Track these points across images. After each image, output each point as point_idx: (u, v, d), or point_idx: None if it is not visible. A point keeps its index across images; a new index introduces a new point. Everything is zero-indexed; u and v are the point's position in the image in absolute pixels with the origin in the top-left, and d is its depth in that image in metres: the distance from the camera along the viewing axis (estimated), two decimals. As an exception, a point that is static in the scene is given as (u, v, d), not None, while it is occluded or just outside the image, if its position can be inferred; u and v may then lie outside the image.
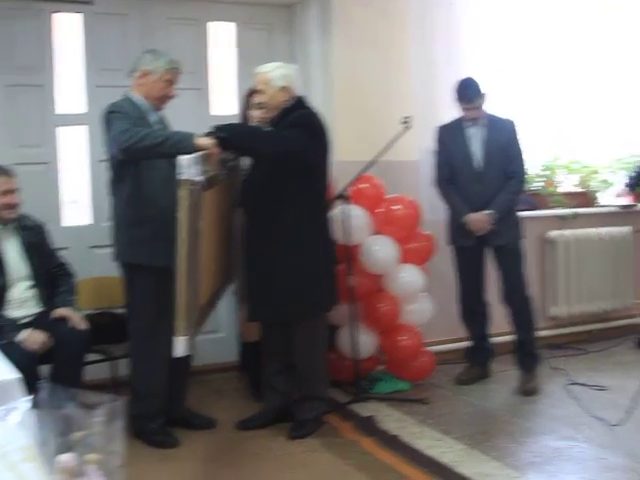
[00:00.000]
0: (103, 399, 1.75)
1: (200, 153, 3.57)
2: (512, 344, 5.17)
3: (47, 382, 1.75)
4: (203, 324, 3.98)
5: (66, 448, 1.66)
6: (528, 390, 4.97)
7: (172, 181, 3.77)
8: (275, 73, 4.23)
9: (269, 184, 4.14)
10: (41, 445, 1.64)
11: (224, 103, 5.62)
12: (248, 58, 5.38)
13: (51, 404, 1.70)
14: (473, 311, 5.20)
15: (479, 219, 4.91)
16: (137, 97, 4.11)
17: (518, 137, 5.03)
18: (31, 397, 1.70)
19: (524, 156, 5.07)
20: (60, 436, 1.67)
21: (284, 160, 4.06)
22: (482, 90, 4.96)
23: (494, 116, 5.07)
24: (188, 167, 3.35)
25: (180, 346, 3.41)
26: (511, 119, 5.09)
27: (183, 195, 3.35)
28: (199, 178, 3.38)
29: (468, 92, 4.95)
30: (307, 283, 4.15)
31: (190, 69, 4.84)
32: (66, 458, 1.60)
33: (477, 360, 5.28)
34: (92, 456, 1.63)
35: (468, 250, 5.06)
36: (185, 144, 3.69)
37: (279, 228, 4.12)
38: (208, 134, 3.82)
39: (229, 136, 3.85)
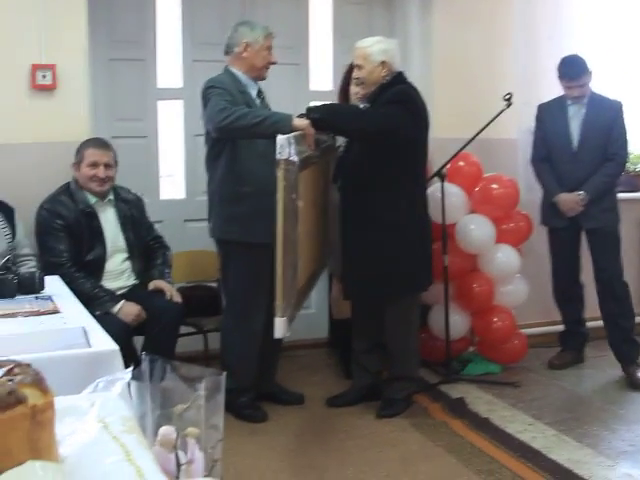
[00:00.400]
0: (204, 372, 1.75)
1: (296, 133, 3.55)
2: (606, 332, 5.01)
3: (148, 354, 1.77)
4: (302, 305, 3.99)
5: (166, 421, 1.67)
6: (635, 382, 4.76)
7: (269, 158, 3.77)
8: (374, 48, 4.17)
9: (366, 161, 4.11)
10: (141, 417, 1.66)
11: (322, 78, 5.60)
12: (347, 33, 5.31)
13: (152, 376, 1.71)
14: (567, 294, 5.09)
15: (569, 199, 4.80)
16: (237, 71, 4.11)
17: (624, 119, 4.88)
18: (132, 368, 1.71)
19: (628, 139, 4.92)
20: (160, 408, 1.68)
21: (382, 138, 4.01)
22: (588, 68, 4.82)
23: (600, 95, 4.93)
24: (285, 147, 3.33)
25: (280, 327, 3.41)
26: (618, 100, 4.94)
27: (280, 175, 3.34)
28: (296, 158, 3.36)
29: (572, 69, 4.82)
30: (403, 262, 4.11)
31: (290, 44, 4.83)
32: (167, 431, 1.61)
33: (571, 344, 5.16)
34: (192, 430, 1.63)
35: (561, 231, 4.95)
36: (282, 125, 3.68)
37: (375, 206, 4.09)
38: (303, 115, 3.80)
39: (324, 117, 3.83)
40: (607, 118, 4.84)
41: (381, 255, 4.08)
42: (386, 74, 4.16)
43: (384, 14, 5.64)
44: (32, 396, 1.21)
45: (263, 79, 4.20)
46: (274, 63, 4.17)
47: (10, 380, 1.21)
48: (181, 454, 1.59)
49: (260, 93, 4.21)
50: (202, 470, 1.60)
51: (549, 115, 4.98)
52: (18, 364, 1.28)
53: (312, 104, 4.16)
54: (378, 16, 5.63)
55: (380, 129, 3.96)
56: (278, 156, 3.33)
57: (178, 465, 1.58)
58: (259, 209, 3.90)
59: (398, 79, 4.19)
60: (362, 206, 4.10)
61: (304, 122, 3.72)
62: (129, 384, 1.67)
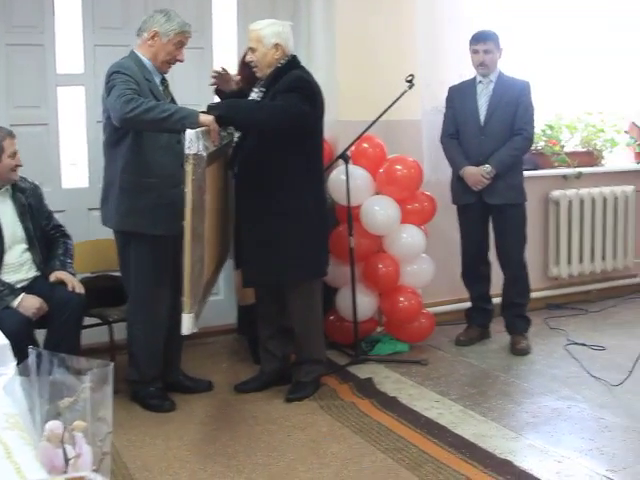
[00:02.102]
0: (92, 364, 1.73)
1: (203, 129, 3.55)
2: (502, 304, 5.20)
3: (35, 348, 1.74)
4: (208, 297, 3.98)
5: (54, 415, 1.65)
6: (520, 350, 5.00)
7: (172, 150, 3.77)
8: (267, 30, 4.14)
9: (262, 149, 4.09)
10: (29, 411, 1.63)
11: (227, 62, 5.56)
12: (250, 17, 5.25)
13: (39, 370, 1.69)
14: (475, 272, 5.20)
15: (475, 172, 4.89)
16: (143, 56, 4.04)
17: (530, 97, 4.99)
18: (18, 363, 1.68)
19: (535, 117, 5.04)
20: (48, 402, 1.66)
21: (285, 130, 4.00)
22: (497, 40, 4.96)
23: (508, 76, 5.05)
24: (194, 142, 3.34)
25: (187, 323, 3.41)
26: (526, 80, 5.05)
27: (189, 170, 3.33)
28: (204, 153, 3.38)
29: (480, 33, 4.97)
30: (300, 248, 4.12)
31: (193, 28, 4.74)
32: (53, 425, 1.59)
33: (477, 321, 5.28)
34: (79, 423, 1.62)
35: (470, 208, 5.04)
36: (189, 120, 3.65)
37: (272, 193, 4.08)
38: (207, 111, 3.78)
39: (226, 114, 3.81)
40: (514, 96, 4.94)
41: (278, 241, 4.08)
42: (279, 57, 4.14)
43: (287, -3, 5.63)
44: None
45: (164, 73, 4.13)
46: (180, 61, 4.10)
47: None
48: (69, 448, 1.58)
49: (164, 81, 4.15)
50: (90, 464, 1.59)
51: (459, 95, 5.07)
52: None
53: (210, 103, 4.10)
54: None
55: (282, 121, 3.95)
56: (187, 151, 3.33)
57: (66, 460, 1.57)
58: (162, 201, 3.90)
59: (292, 63, 4.18)
60: (259, 193, 4.09)
61: (209, 118, 3.70)
62: (14, 379, 1.64)
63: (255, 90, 4.23)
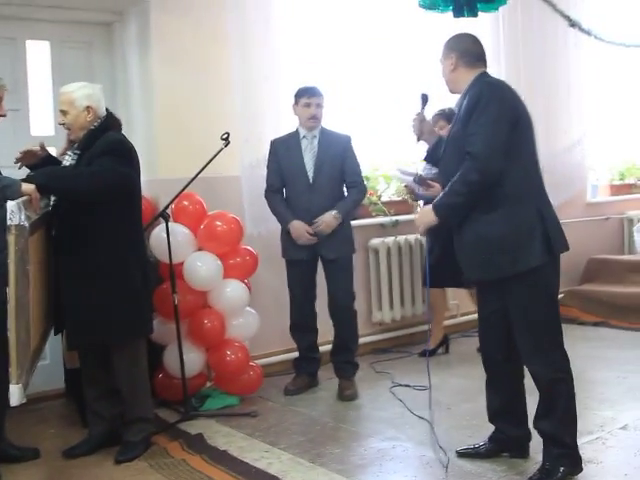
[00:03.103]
0: None
1: (24, 198, 3.57)
2: (330, 353, 5.35)
3: None
4: (36, 365, 3.91)
5: None
6: (348, 396, 5.12)
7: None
8: (79, 93, 4.16)
9: (78, 212, 4.07)
10: None
11: (43, 124, 5.51)
12: (67, 77, 5.19)
13: None
14: (303, 324, 5.30)
15: (300, 227, 5.03)
16: None
17: (354, 151, 5.20)
18: None
19: (360, 169, 5.26)
20: None
21: (107, 195, 4.02)
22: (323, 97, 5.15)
23: (330, 130, 5.22)
24: (16, 213, 3.36)
25: (15, 394, 3.39)
26: (347, 134, 5.25)
27: (12, 240, 3.34)
28: (26, 223, 3.40)
29: (312, 88, 5.14)
30: (125, 308, 4.12)
31: (9, 89, 4.68)
32: None
33: (305, 369, 5.38)
34: None
35: (302, 263, 5.16)
36: (11, 190, 3.67)
37: (91, 255, 4.07)
38: (27, 180, 3.77)
39: (47, 182, 3.83)
40: (339, 150, 5.13)
41: (101, 302, 4.06)
42: (92, 119, 4.17)
43: (104, 58, 5.67)
44: None
45: None
46: (2, 116, 4.09)
47: None
48: None
49: None
50: None
51: (284, 148, 5.18)
52: None
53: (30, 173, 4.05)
54: (98, 60, 5.64)
55: (103, 186, 3.98)
56: (9, 222, 3.34)
57: None
58: None
59: (106, 124, 4.21)
60: (78, 256, 4.06)
61: (31, 187, 3.71)
62: None
63: (69, 153, 4.23)
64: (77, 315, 4.09)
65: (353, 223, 5.48)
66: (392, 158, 6.69)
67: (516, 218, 3.52)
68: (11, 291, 3.33)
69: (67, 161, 4.21)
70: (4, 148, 4.52)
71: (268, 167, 5.24)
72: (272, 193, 5.19)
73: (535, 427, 3.71)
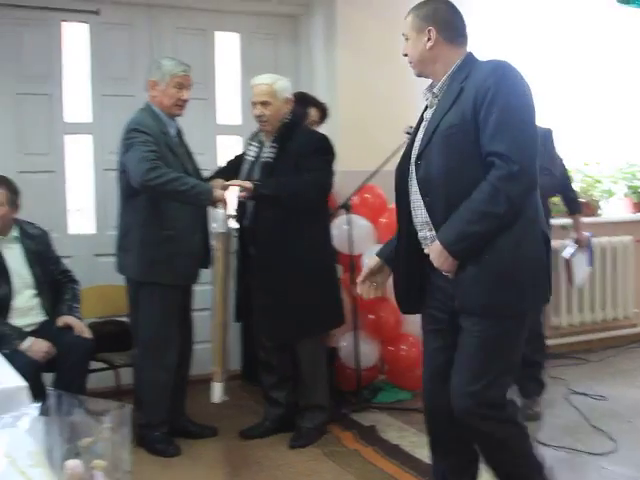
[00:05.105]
0: (110, 406, 1.78)
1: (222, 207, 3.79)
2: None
3: (55, 390, 1.78)
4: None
5: (74, 454, 1.69)
6: (531, 416, 4.73)
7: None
8: (279, 84, 4.21)
9: (284, 215, 4.14)
10: (49, 451, 1.67)
11: (230, 113, 5.66)
12: (254, 68, 5.35)
13: (59, 411, 1.73)
14: None
15: None
16: (156, 108, 4.14)
17: (554, 143, 4.87)
18: (39, 404, 1.72)
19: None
20: (68, 442, 1.70)
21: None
22: None
23: None
24: (224, 221, 3.65)
25: (218, 392, 3.72)
26: (548, 127, 4.87)
27: (219, 246, 3.66)
28: (229, 230, 3.68)
29: None
30: (328, 302, 4.26)
31: (197, 79, 4.83)
32: (74, 464, 1.63)
33: None
34: (99, 462, 1.66)
35: None
36: (204, 197, 3.90)
37: (291, 250, 4.14)
38: (256, 190, 3.97)
39: (277, 192, 4.01)
40: None
41: (297, 295, 4.14)
42: (288, 111, 4.23)
43: (290, 50, 5.77)
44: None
45: (178, 115, 4.21)
46: (185, 101, 4.17)
47: None
48: (89, 486, 1.62)
49: (179, 132, 4.25)
50: (110, 502, 1.63)
51: None
52: None
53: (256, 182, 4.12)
54: (284, 52, 5.74)
55: (325, 192, 4.19)
56: (217, 229, 3.64)
57: (86, 498, 1.60)
58: (177, 252, 4.05)
59: (297, 116, 4.29)
60: (275, 251, 4.13)
61: (220, 194, 3.86)
62: (37, 419, 1.68)
63: (254, 144, 4.32)
64: (284, 314, 4.18)
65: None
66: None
67: (527, 245, 2.71)
68: (217, 293, 3.63)
69: (253, 152, 4.30)
70: (193, 135, 4.66)
71: None
72: None
73: None
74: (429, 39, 2.90)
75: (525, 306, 2.78)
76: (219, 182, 4.03)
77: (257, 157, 4.29)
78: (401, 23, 3.00)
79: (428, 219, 2.82)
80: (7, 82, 4.85)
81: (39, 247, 4.21)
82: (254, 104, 4.24)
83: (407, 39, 2.97)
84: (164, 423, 4.20)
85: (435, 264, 2.78)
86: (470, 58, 2.92)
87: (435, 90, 2.92)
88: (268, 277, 4.17)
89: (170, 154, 4.03)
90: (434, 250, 2.77)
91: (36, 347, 3.85)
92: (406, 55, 3.01)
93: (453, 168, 2.74)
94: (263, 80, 4.24)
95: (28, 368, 3.62)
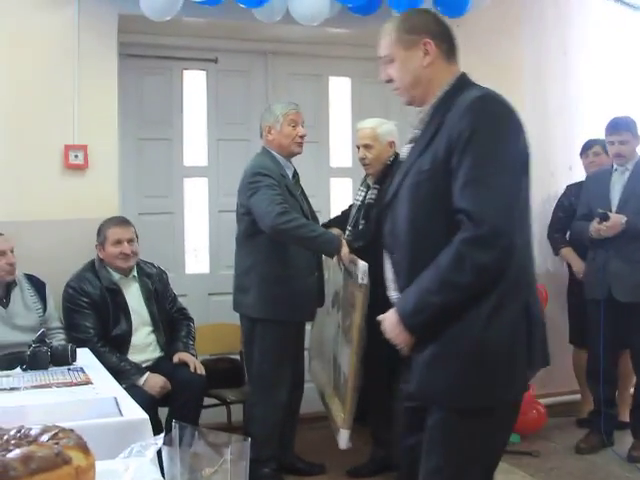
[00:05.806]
0: (230, 439, 1.86)
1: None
2: (630, 411, 4.89)
3: (178, 422, 1.87)
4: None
5: (194, 484, 1.77)
6: (636, 457, 4.64)
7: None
8: (383, 128, 4.33)
9: None
10: (172, 480, 1.76)
11: (341, 156, 5.77)
12: (364, 112, 5.35)
13: (181, 442, 1.83)
14: (599, 372, 4.76)
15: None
16: (273, 151, 4.27)
17: None
18: (163, 435, 1.82)
19: None
20: (189, 472, 1.79)
21: None
22: (635, 129, 4.75)
23: None
24: (365, 274, 3.68)
25: (345, 439, 3.78)
26: None
27: (361, 297, 3.71)
28: (368, 282, 3.70)
29: (617, 123, 4.75)
30: None
31: (310, 122, 4.95)
32: (194, 493, 1.71)
33: (599, 426, 4.84)
34: (219, 492, 1.73)
35: (596, 303, 4.74)
36: (330, 247, 3.98)
37: None
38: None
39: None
40: None
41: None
42: (391, 154, 4.32)
43: (400, 94, 5.81)
44: (76, 458, 1.35)
45: (298, 154, 4.32)
46: (302, 136, 4.27)
47: (56, 443, 1.35)
48: (209, 515, 1.69)
49: (295, 174, 4.37)
50: (229, 532, 1.70)
51: (594, 183, 4.90)
52: (62, 429, 1.41)
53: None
54: (393, 95, 5.77)
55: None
56: (361, 281, 3.68)
57: (207, 526, 1.68)
58: (297, 290, 4.15)
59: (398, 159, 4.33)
60: None
61: (346, 250, 3.92)
62: (160, 450, 1.77)
63: (361, 189, 4.42)
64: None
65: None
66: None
67: (501, 319, 2.23)
68: (355, 341, 3.70)
69: (360, 196, 4.40)
70: (306, 177, 4.77)
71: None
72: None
73: None
74: (426, 53, 2.42)
75: (495, 396, 2.28)
76: (336, 231, 4.17)
77: (363, 201, 4.38)
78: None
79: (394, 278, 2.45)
80: (130, 127, 5.06)
81: (157, 286, 4.37)
82: (358, 147, 4.41)
83: (391, 61, 2.48)
84: (273, 459, 4.25)
85: (387, 336, 2.37)
86: (462, 81, 2.45)
87: (418, 121, 2.47)
88: None
89: (289, 196, 4.14)
90: (388, 319, 2.36)
91: (152, 382, 4.00)
92: (389, 81, 2.51)
93: (419, 223, 2.32)
94: (367, 124, 4.38)
95: (145, 402, 3.75)
